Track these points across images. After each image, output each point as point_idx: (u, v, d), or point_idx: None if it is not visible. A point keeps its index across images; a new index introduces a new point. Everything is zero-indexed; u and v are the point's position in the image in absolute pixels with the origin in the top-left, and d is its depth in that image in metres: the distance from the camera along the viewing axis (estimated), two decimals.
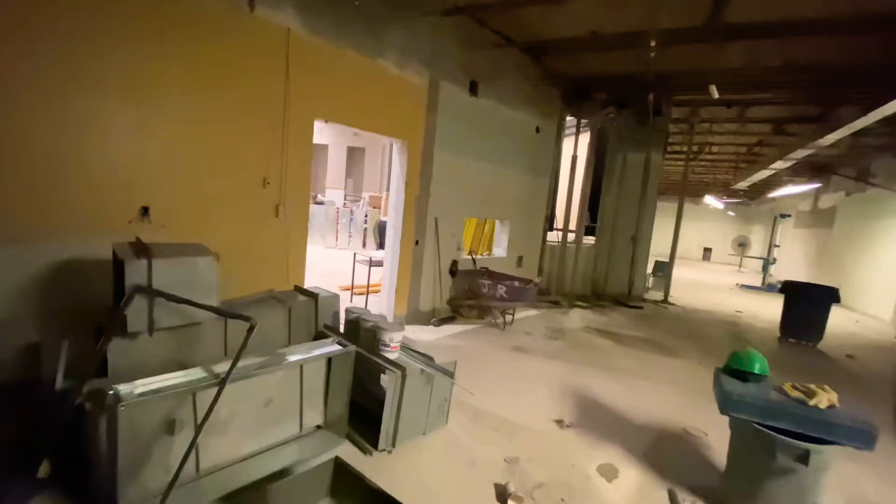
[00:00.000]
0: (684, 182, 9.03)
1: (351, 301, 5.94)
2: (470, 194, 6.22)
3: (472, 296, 5.92)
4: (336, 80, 4.26)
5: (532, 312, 6.78)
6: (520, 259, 7.63)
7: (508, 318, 5.95)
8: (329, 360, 2.63)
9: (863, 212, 11.07)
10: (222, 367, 2.08)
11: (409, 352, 3.20)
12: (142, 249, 2.38)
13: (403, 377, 2.69)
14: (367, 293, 5.95)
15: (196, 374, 2.11)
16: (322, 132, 18.19)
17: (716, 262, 23.03)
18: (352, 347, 2.67)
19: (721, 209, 21.30)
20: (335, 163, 15.71)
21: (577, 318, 6.84)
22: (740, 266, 20.60)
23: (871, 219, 10.64)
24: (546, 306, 7.52)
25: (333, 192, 14.84)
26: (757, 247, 20.08)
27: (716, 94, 6.22)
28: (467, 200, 6.19)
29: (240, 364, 2.00)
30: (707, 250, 25.24)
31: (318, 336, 3.12)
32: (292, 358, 2.44)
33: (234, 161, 3.65)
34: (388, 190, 9.96)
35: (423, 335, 5.09)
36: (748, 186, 14.79)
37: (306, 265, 4.31)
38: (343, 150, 15.63)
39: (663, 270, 10.09)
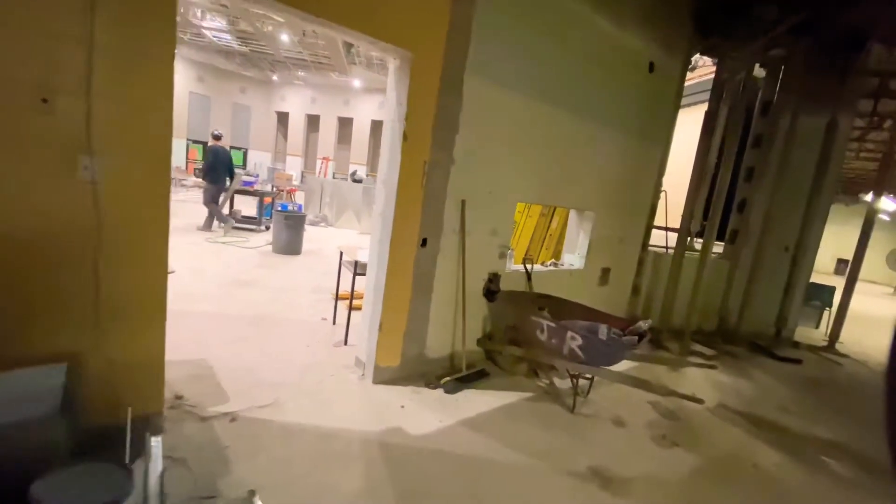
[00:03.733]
0: (889, 158, 5.62)
1: (349, 318, 3.72)
2: (528, 164, 3.67)
3: (520, 341, 3.43)
4: None
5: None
6: (605, 273, 4.93)
7: (583, 383, 3.38)
8: None
9: None
10: None
11: None
12: None
13: None
14: (350, 311, 3.67)
15: None
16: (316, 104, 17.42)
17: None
18: None
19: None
20: (359, 137, 14.18)
21: (699, 381, 4.06)
22: None
23: None
24: (644, 348, 4.80)
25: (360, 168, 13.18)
26: None
27: None
28: (522, 174, 3.65)
29: None
30: (842, 262, 19.99)
31: None
32: None
33: None
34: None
35: (416, 415, 2.72)
36: None
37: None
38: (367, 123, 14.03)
39: (822, 297, 6.76)
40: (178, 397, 2.53)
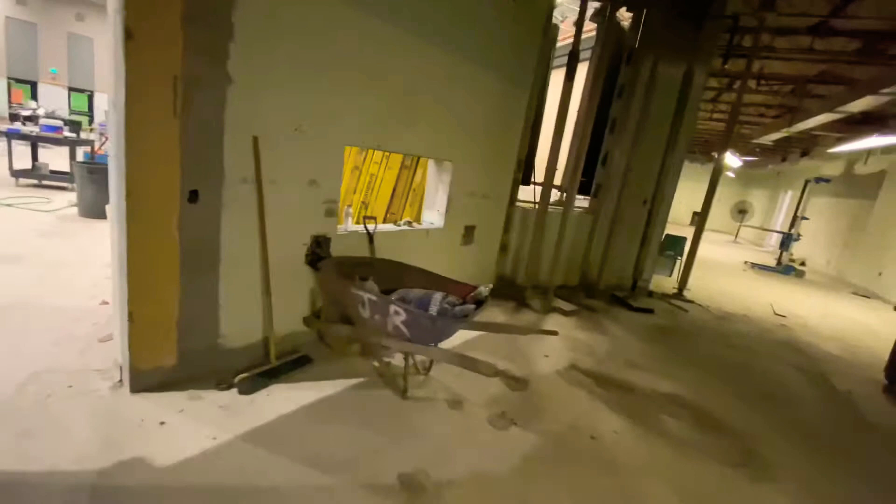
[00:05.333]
0: (735, 115, 5.90)
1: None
2: (359, 97, 2.91)
3: (347, 319, 2.80)
4: None
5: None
6: (469, 231, 4.49)
7: (422, 359, 2.90)
8: None
9: None
10: None
11: None
12: None
13: None
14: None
15: None
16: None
17: (707, 230, 20.63)
18: None
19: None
20: None
21: (556, 342, 3.87)
22: (736, 237, 18.27)
23: None
24: (508, 308, 4.54)
25: None
26: (758, 215, 17.66)
27: None
28: (351, 109, 2.89)
29: None
30: (697, 214, 22.84)
31: None
32: None
33: None
34: None
35: (179, 434, 1.99)
36: (773, 142, 11.87)
37: None
38: None
39: (675, 248, 7.22)
40: None
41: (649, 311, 5.31)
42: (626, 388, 3.26)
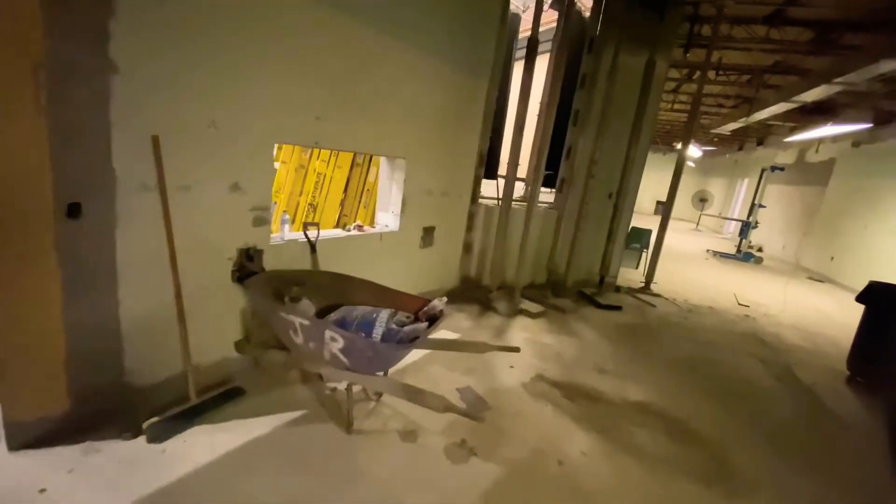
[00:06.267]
0: (696, 104, 5.81)
1: None
2: (290, 86, 2.54)
3: (282, 343, 2.45)
4: None
5: (442, 334, 3.51)
6: (428, 233, 4.19)
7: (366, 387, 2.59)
8: None
9: (877, 167, 8.69)
10: None
11: None
12: None
13: None
14: None
15: None
16: None
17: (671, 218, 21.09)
18: None
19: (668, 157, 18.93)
20: None
21: (523, 347, 3.64)
22: (698, 224, 18.75)
23: (889, 176, 8.28)
24: (473, 312, 4.28)
25: None
26: (716, 203, 18.15)
27: None
28: (281, 100, 2.51)
29: None
30: (660, 203, 23.34)
31: None
32: None
33: None
34: None
35: (79, 495, 1.62)
36: (731, 132, 12.10)
37: None
38: None
39: (640, 240, 7.16)
40: None
41: (617, 308, 5.18)
42: (594, 397, 3.06)
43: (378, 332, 2.14)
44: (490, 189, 5.18)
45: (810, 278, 9.45)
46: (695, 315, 5.45)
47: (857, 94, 8.12)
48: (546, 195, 5.72)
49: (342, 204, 4.27)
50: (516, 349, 2.67)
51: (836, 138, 9.95)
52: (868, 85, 7.19)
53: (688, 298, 6.16)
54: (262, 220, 2.62)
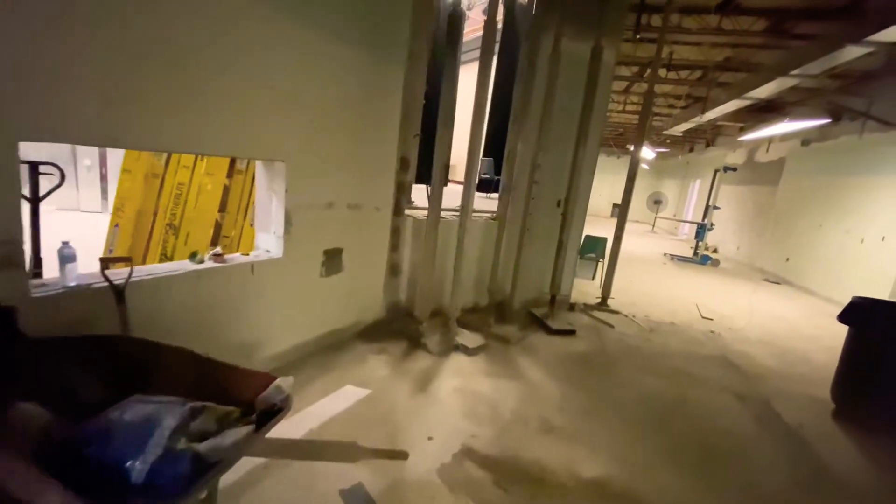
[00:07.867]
0: (648, 103, 5.24)
1: None
2: (63, 51, 1.61)
3: None
4: None
5: (345, 392, 2.64)
6: (333, 257, 3.31)
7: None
8: None
9: (828, 165, 8.55)
10: None
11: None
12: None
13: None
14: None
15: None
16: None
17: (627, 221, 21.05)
18: None
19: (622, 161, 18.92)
20: None
21: (448, 407, 2.82)
22: (654, 226, 18.75)
23: (841, 174, 8.13)
24: (397, 352, 3.43)
25: None
26: (670, 205, 18.20)
27: None
28: (39, 74, 1.59)
29: None
30: (617, 206, 23.38)
31: None
32: None
33: None
34: None
35: None
36: (682, 132, 11.92)
37: None
38: None
39: (596, 250, 6.55)
40: None
41: (570, 332, 4.47)
42: (536, 478, 2.28)
43: (151, 455, 1.25)
44: (421, 200, 4.37)
45: (766, 280, 9.22)
46: (657, 335, 4.82)
47: (808, 91, 7.93)
48: (488, 203, 4.98)
49: (219, 223, 3.32)
50: (404, 455, 1.82)
51: (784, 137, 9.85)
52: (819, 81, 6.94)
53: (648, 314, 5.56)
54: (7, 262, 1.67)
